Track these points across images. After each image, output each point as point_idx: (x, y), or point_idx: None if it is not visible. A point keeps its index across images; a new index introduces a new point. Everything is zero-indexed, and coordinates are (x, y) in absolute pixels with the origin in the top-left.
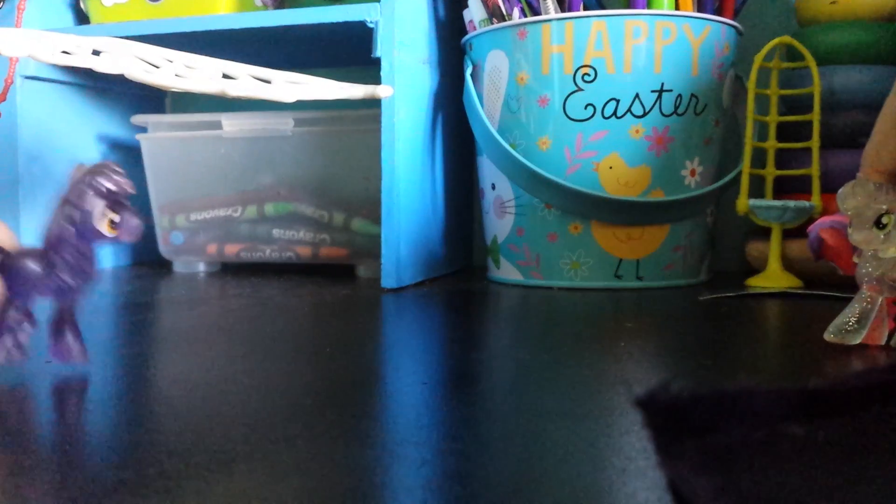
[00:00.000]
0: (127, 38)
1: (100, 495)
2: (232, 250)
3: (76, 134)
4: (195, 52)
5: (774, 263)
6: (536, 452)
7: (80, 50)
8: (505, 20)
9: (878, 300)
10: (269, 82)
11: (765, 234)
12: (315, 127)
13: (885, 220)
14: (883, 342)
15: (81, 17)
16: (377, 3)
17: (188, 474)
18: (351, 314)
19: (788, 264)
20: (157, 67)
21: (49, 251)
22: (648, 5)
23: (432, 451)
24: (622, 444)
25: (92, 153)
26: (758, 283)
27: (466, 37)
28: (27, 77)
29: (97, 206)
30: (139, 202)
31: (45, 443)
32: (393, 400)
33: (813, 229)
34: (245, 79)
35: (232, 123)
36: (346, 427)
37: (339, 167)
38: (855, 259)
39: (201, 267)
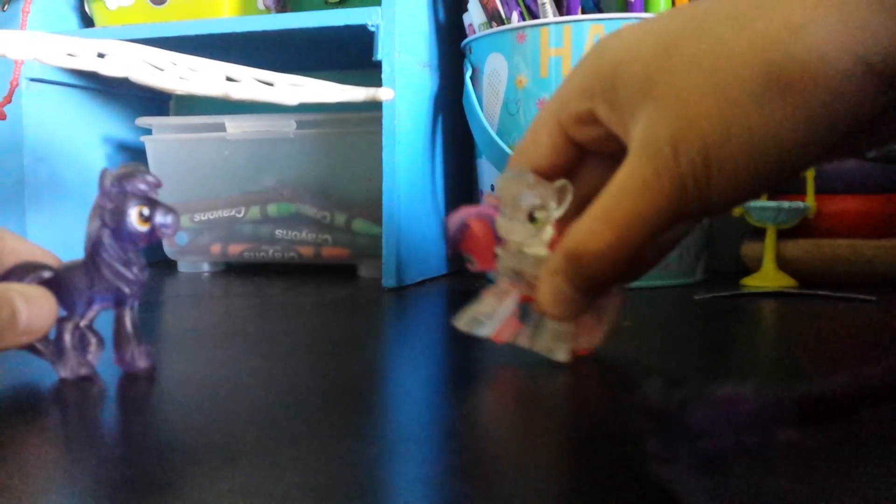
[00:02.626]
0: (131, 41)
1: (103, 492)
2: (235, 250)
3: (81, 136)
4: (199, 55)
5: (769, 263)
6: (535, 450)
7: (85, 52)
8: (504, 24)
9: (513, 295)
10: (271, 85)
11: (760, 234)
12: (317, 129)
13: (538, 214)
14: (511, 340)
15: (86, 20)
16: (378, 7)
17: (192, 471)
18: (352, 313)
19: (783, 264)
20: (162, 70)
21: (90, 259)
22: (645, 9)
23: (433, 449)
24: (621, 442)
25: (97, 155)
26: (753, 282)
27: (466, 40)
28: (32, 79)
29: (128, 204)
30: None
31: (48, 440)
32: (394, 397)
33: (457, 216)
34: (248, 81)
35: (235, 126)
36: (347, 424)
37: (341, 169)
38: (498, 251)
39: (205, 267)
